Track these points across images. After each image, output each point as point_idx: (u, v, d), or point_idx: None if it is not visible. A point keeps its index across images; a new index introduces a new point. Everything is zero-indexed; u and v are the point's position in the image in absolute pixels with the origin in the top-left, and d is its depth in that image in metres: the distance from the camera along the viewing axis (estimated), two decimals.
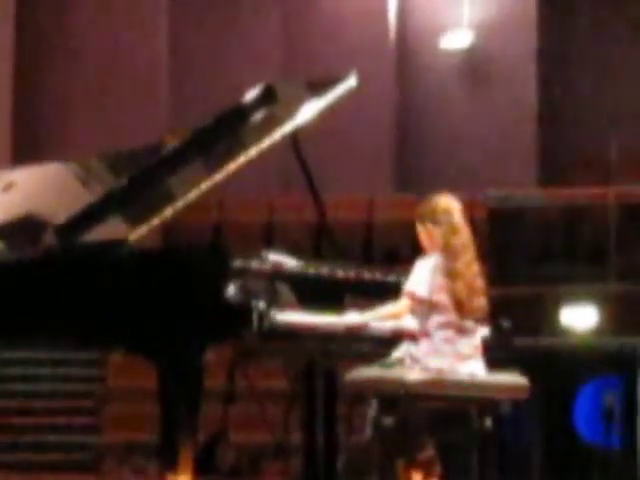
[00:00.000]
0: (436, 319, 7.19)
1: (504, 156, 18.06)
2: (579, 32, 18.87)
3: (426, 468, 7.15)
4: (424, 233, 7.49)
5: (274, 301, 6.77)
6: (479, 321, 7.35)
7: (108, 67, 18.75)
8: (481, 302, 7.34)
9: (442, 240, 7.35)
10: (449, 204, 7.55)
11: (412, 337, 7.40)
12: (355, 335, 7.33)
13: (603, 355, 12.35)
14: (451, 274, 7.28)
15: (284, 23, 19.11)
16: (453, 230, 7.40)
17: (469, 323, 7.23)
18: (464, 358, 7.21)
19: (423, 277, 7.27)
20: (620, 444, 12.49)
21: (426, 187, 17.53)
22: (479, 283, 7.37)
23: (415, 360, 7.17)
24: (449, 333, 7.21)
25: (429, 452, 7.38)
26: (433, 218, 7.47)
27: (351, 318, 7.46)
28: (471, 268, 7.37)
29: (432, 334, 7.24)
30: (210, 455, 7.51)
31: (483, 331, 7.55)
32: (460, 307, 7.21)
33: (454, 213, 7.48)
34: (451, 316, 7.18)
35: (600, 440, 13.09)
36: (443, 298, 7.20)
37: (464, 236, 7.45)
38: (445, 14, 18.92)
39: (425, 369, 7.13)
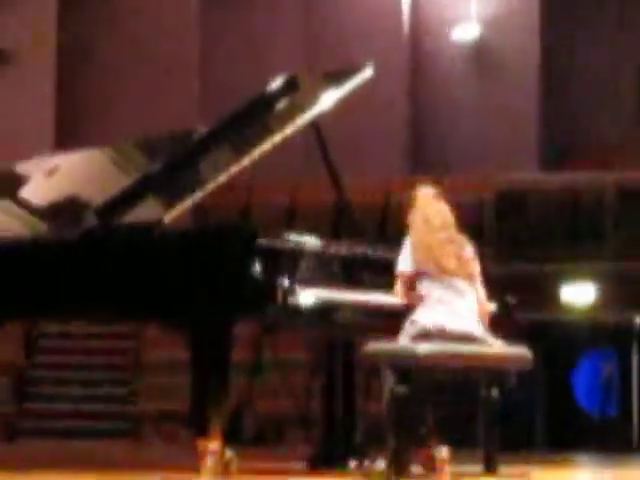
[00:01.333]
0: (426, 283, 7.34)
1: (510, 141, 18.40)
2: (581, 25, 19.03)
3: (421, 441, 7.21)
4: None
5: (298, 279, 6.79)
6: (468, 281, 7.49)
7: (143, 54, 18.85)
8: (453, 260, 7.55)
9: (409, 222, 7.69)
10: (415, 194, 8.07)
11: (411, 307, 7.48)
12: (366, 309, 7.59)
13: (601, 329, 12.76)
14: (416, 242, 7.63)
15: (306, 15, 19.26)
16: (411, 212, 7.82)
17: (460, 283, 7.39)
18: (458, 316, 7.31)
19: (404, 254, 7.52)
20: (617, 412, 12.35)
21: (440, 169, 17.71)
22: (444, 244, 7.65)
23: (412, 322, 7.28)
24: (441, 292, 7.35)
25: (426, 426, 7.47)
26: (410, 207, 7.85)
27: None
28: (432, 234, 7.68)
29: (427, 297, 7.36)
30: (235, 423, 7.66)
31: (491, 306, 7.79)
32: (436, 263, 7.48)
33: (417, 199, 7.94)
34: (437, 275, 7.41)
35: (598, 408, 13.39)
36: (425, 266, 7.47)
37: (420, 212, 7.77)
38: (455, 8, 19.32)
39: (422, 328, 7.22)
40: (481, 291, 7.50)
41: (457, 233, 7.63)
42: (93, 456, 9.57)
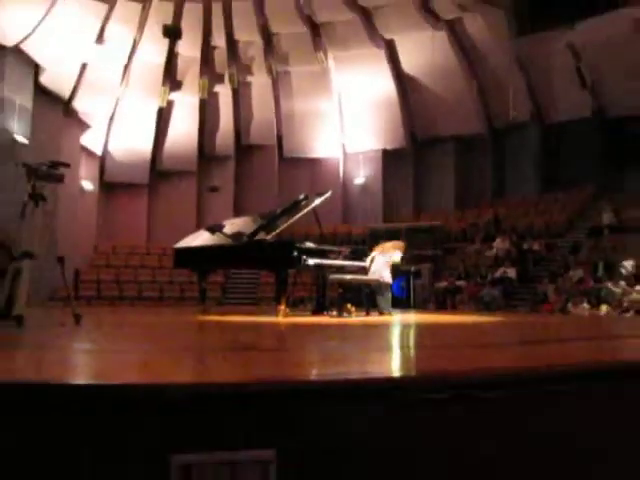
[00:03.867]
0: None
1: (372, 215, 18.17)
2: (398, 180, 18.96)
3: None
4: None
5: (310, 256, 7.25)
6: (386, 255, 7.84)
7: (260, 185, 19.18)
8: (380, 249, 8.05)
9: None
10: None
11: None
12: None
13: (402, 270, 12.91)
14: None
15: (312, 179, 18.81)
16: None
17: (382, 257, 7.75)
18: (375, 265, 7.87)
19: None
20: (405, 296, 13.21)
21: (356, 223, 18.09)
22: (380, 246, 8.06)
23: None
24: (375, 260, 7.77)
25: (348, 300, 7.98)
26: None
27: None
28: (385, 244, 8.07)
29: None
30: (287, 299, 8.00)
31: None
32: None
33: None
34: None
35: (401, 295, 13.50)
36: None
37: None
38: (356, 172, 18.87)
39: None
40: (397, 259, 7.97)
41: (390, 243, 8.04)
42: (245, 310, 9.54)
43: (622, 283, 11.14)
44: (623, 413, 1.75)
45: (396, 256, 8.01)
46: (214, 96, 18.94)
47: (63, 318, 4.85)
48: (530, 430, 1.61)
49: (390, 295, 8.12)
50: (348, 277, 7.60)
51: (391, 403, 1.50)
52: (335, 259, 7.88)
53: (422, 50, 17.93)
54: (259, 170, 19.71)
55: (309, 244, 7.75)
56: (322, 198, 8.19)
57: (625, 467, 1.70)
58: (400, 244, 8.20)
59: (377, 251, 8.14)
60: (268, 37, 18.32)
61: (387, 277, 7.90)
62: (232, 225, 8.73)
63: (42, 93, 15.03)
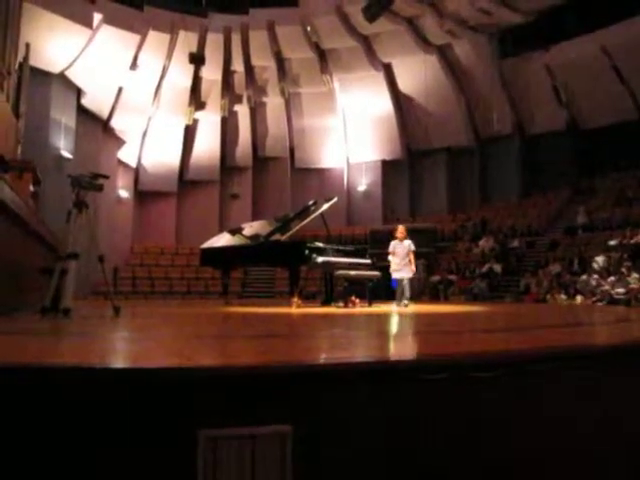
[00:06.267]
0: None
1: (372, 217, 17.88)
2: (399, 177, 18.55)
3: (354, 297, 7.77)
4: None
5: (319, 254, 7.22)
6: (404, 254, 7.58)
7: (276, 199, 19.36)
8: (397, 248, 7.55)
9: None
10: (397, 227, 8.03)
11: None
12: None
13: None
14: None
15: (320, 186, 18.56)
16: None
17: (401, 255, 7.50)
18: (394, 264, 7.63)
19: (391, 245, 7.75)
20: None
21: (359, 225, 17.80)
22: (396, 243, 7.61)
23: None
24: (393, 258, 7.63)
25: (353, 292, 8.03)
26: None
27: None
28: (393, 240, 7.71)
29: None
30: (300, 293, 7.77)
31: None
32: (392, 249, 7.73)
33: (397, 228, 7.93)
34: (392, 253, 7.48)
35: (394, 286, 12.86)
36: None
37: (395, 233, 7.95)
38: (358, 180, 18.55)
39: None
40: (412, 256, 7.54)
41: (404, 238, 7.66)
42: (262, 302, 9.12)
43: (595, 276, 11.09)
44: (597, 388, 1.77)
45: (407, 243, 7.45)
46: (234, 114, 18.87)
47: (104, 310, 4.75)
48: (518, 403, 1.59)
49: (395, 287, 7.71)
50: (352, 273, 7.39)
51: (392, 383, 1.47)
52: (342, 257, 7.58)
53: (416, 72, 17.84)
54: (274, 179, 19.60)
55: (318, 244, 7.53)
56: (329, 203, 8.04)
57: (587, 432, 1.71)
58: (402, 232, 7.47)
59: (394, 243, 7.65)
60: (281, 62, 18.20)
61: (406, 273, 7.43)
62: (251, 228, 8.56)
63: (84, 114, 15.11)
